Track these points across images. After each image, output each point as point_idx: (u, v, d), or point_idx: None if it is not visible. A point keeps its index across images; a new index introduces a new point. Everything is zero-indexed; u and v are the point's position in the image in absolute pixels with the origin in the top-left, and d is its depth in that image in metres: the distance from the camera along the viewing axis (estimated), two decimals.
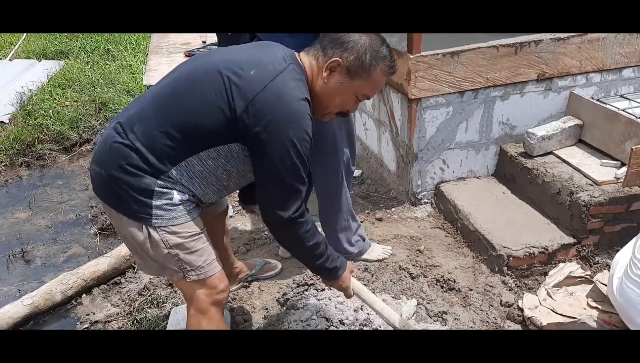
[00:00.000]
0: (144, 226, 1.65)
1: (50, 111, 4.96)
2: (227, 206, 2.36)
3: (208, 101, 1.57)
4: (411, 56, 2.76)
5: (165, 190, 1.62)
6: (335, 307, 2.22)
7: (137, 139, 1.59)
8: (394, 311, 1.89)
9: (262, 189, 1.65)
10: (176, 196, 1.64)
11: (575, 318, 2.23)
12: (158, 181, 1.61)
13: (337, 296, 2.28)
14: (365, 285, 2.36)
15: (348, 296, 1.93)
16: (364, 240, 2.69)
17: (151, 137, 1.59)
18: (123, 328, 2.50)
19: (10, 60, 6.66)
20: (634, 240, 2.22)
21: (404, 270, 2.54)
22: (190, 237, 1.70)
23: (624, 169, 2.58)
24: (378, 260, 2.67)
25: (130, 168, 1.59)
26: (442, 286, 2.49)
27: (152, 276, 2.84)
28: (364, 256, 2.69)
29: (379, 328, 2.13)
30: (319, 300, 2.25)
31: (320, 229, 1.72)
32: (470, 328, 2.21)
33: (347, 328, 2.13)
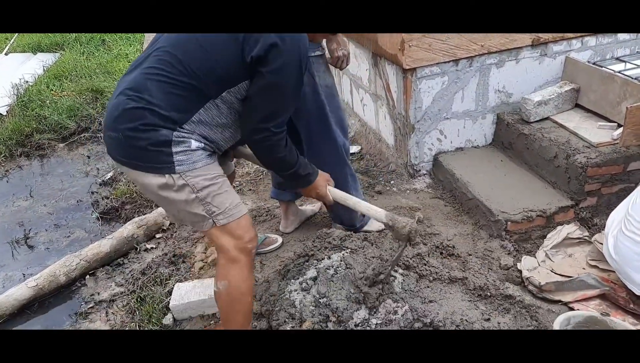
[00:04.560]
0: (167, 175, 1.70)
1: (48, 101, 4.97)
2: (234, 171, 2.41)
3: (216, 43, 1.66)
4: None
5: (182, 139, 1.69)
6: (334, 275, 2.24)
7: (152, 97, 1.65)
8: (379, 208, 1.99)
9: (258, 107, 1.75)
10: (194, 143, 1.72)
11: (573, 277, 2.24)
12: (175, 133, 1.67)
13: (338, 266, 2.29)
14: (368, 253, 2.38)
15: (328, 202, 2.09)
16: (364, 215, 2.71)
17: (167, 92, 1.66)
18: (127, 308, 2.53)
19: (6, 54, 6.65)
20: (628, 197, 2.23)
21: None
22: (215, 178, 1.77)
23: (621, 130, 2.57)
24: (378, 231, 2.69)
25: (145, 127, 1.65)
26: (441, 253, 2.50)
27: (155, 256, 2.87)
28: (366, 228, 2.71)
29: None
30: (317, 269, 2.27)
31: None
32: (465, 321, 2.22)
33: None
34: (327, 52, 2.44)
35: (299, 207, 2.94)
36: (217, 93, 1.71)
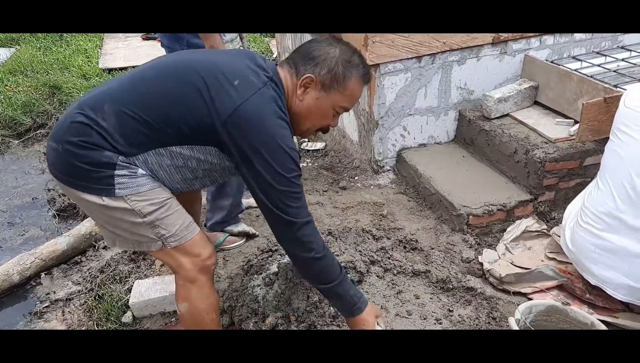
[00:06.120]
0: (104, 197, 1.56)
1: (2, 96, 4.79)
2: None
3: (190, 100, 1.51)
4: None
5: (128, 164, 1.55)
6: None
7: (105, 119, 1.51)
8: None
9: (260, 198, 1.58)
10: (140, 171, 1.57)
11: (532, 269, 2.29)
12: (120, 157, 1.53)
13: None
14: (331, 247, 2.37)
15: None
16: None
17: (123, 119, 1.51)
18: (90, 303, 2.46)
19: None
20: (584, 190, 2.29)
21: (367, 233, 2.56)
22: (162, 202, 1.62)
23: (577, 126, 2.64)
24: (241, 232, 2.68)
25: (88, 145, 1.51)
26: (404, 247, 2.52)
27: (114, 254, 2.79)
28: (228, 228, 2.67)
29: None
30: (279, 264, 2.25)
31: None
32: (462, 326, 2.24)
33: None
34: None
35: None
36: (175, 144, 1.56)
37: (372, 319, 1.75)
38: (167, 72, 1.59)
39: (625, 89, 2.48)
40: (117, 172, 1.54)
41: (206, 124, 1.51)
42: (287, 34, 4.62)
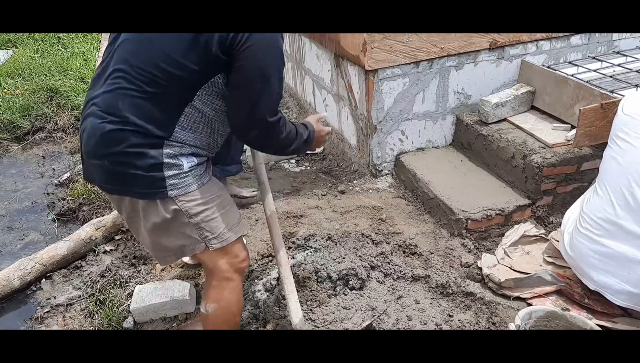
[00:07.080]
0: (159, 201, 1.62)
1: (0, 100, 4.79)
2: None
3: (183, 43, 1.54)
4: None
5: (173, 160, 1.60)
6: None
7: (128, 116, 1.54)
8: (300, 311, 1.88)
9: (244, 99, 1.61)
10: (185, 164, 1.63)
11: (531, 273, 2.31)
12: (164, 152, 1.58)
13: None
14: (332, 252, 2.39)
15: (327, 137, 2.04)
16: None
17: (139, 106, 1.55)
18: (89, 309, 2.47)
19: None
20: (582, 196, 2.31)
21: (367, 237, 2.57)
22: (209, 201, 1.69)
23: (574, 131, 2.66)
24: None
25: (132, 149, 1.55)
26: (404, 252, 2.53)
27: (114, 258, 2.80)
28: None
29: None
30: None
31: None
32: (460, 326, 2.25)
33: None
34: None
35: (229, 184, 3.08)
36: (192, 95, 1.59)
37: (317, 125, 1.97)
38: (145, 40, 1.59)
39: (622, 95, 2.51)
40: (166, 173, 1.59)
41: (205, 52, 1.53)
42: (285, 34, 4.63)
